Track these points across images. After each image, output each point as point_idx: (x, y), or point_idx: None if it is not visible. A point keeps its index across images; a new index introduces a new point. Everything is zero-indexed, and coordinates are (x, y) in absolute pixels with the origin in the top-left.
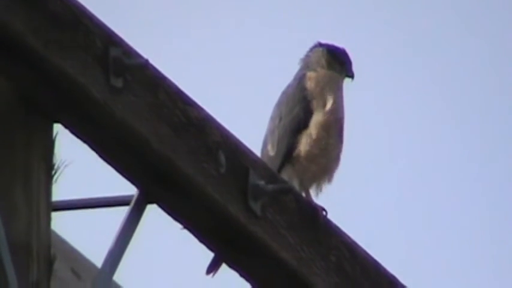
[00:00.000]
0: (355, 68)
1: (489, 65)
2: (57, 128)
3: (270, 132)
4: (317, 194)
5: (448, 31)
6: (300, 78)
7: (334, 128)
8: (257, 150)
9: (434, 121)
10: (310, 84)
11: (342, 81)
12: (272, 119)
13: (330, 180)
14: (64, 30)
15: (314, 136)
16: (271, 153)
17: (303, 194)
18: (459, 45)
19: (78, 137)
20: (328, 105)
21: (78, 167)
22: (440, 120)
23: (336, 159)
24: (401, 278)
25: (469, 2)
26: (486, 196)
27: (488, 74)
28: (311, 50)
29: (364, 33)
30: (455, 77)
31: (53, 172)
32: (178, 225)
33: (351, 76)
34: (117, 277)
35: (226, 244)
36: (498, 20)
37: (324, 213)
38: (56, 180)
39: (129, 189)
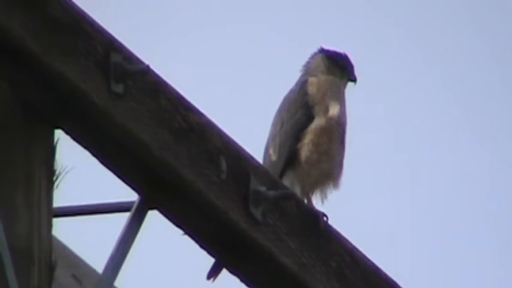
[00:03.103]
0: (357, 72)
1: (491, 65)
2: (58, 134)
3: (272, 137)
4: (322, 201)
5: (451, 32)
6: (302, 84)
7: (336, 133)
8: (258, 156)
9: (435, 125)
10: (311, 90)
11: (344, 86)
12: (274, 124)
13: (335, 186)
14: (65, 35)
15: (315, 141)
16: (273, 158)
17: (305, 200)
18: (462, 47)
19: (79, 143)
20: (330, 111)
21: (79, 173)
22: (442, 124)
23: (339, 165)
24: (402, 283)
25: (474, 1)
26: (487, 200)
27: (491, 74)
28: (312, 56)
29: (366, 37)
30: (457, 80)
31: (54, 178)
32: (179, 231)
33: (353, 80)
34: (118, 283)
35: (227, 250)
36: (504, 18)
37: (325, 218)
38: (57, 186)
39: (130, 195)
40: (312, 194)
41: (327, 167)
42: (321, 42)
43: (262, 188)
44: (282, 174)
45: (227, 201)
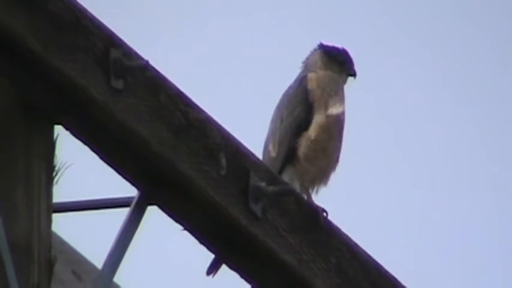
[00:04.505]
0: (357, 67)
1: (491, 63)
2: (58, 129)
3: (272, 133)
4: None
5: (452, 28)
6: (301, 80)
7: (334, 129)
8: (258, 152)
9: (434, 121)
10: (311, 86)
11: (343, 82)
12: (273, 120)
13: (325, 182)
14: (64, 31)
15: (314, 138)
16: (273, 154)
17: (304, 196)
18: (462, 43)
19: (78, 138)
20: (329, 107)
21: (78, 168)
22: (441, 120)
23: (335, 162)
24: (402, 280)
25: None
26: (487, 197)
27: (491, 72)
28: (311, 52)
29: (366, 32)
30: (457, 77)
31: (54, 174)
32: (179, 227)
33: (353, 75)
34: (118, 278)
35: (226, 246)
36: (503, 15)
37: (325, 214)
38: (56, 181)
39: (129, 191)
40: (312, 190)
41: (325, 163)
42: (321, 38)
43: (262, 184)
44: (281, 170)
45: (227, 197)
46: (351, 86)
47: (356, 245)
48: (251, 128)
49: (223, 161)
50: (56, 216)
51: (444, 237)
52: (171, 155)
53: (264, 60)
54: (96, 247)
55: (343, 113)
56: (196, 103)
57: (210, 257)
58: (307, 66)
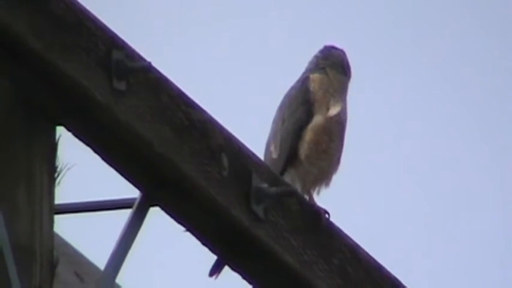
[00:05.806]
0: (356, 68)
1: (491, 63)
2: (60, 130)
3: (273, 134)
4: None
5: (450, 29)
6: (303, 81)
7: (336, 131)
8: (260, 153)
9: (435, 122)
10: (313, 86)
11: (347, 83)
12: (275, 121)
13: (327, 184)
14: (67, 33)
15: (315, 140)
16: (274, 155)
17: (306, 197)
18: (461, 43)
19: (81, 139)
20: (331, 109)
21: (80, 169)
22: (441, 121)
23: (337, 163)
24: (404, 281)
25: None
26: (489, 197)
27: (490, 72)
28: (315, 54)
29: (365, 33)
30: (458, 78)
31: (56, 175)
32: (181, 228)
33: (349, 77)
34: (120, 280)
35: (229, 247)
36: (503, 16)
37: (327, 216)
38: (58, 183)
39: (131, 192)
40: (313, 191)
41: (327, 165)
42: (324, 39)
43: (264, 185)
44: (283, 171)
45: (229, 198)
46: (352, 87)
47: (358, 246)
48: (253, 129)
49: (225, 162)
50: (58, 218)
51: (446, 238)
52: (173, 156)
53: (266, 61)
54: (98, 248)
55: (344, 113)
56: (198, 104)
57: (212, 258)
58: (308, 67)
